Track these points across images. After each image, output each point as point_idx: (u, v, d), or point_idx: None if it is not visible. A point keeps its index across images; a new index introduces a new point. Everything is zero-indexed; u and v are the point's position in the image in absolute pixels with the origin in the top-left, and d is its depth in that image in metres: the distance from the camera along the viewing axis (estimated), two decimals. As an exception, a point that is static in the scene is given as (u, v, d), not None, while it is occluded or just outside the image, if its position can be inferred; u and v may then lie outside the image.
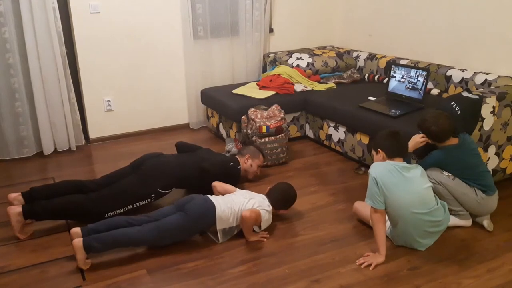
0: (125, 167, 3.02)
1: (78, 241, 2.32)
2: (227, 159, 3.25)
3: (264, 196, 2.76)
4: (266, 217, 2.65)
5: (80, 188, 2.83)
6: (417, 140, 2.73)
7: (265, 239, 2.64)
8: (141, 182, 2.83)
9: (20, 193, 2.73)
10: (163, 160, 3.00)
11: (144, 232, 2.42)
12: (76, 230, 2.39)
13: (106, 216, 2.69)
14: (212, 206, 2.54)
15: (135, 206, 2.80)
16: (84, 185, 2.86)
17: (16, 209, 2.59)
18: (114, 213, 2.73)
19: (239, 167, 3.22)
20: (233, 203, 2.61)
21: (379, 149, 2.55)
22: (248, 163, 3.26)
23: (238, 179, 3.22)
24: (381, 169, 2.43)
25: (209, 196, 2.64)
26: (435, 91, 3.77)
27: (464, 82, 3.55)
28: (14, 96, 3.74)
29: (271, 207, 2.69)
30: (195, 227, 2.58)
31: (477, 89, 3.38)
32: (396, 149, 2.52)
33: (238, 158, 3.27)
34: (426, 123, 2.64)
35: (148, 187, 2.84)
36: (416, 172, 2.47)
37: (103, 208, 2.71)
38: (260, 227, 2.66)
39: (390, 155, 2.51)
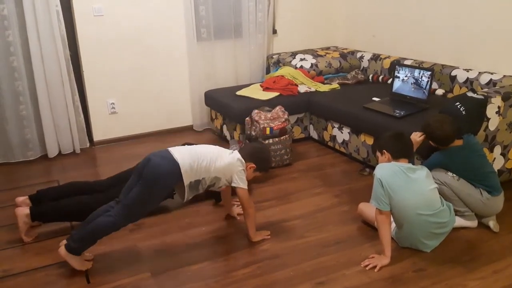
0: (130, 170, 2.88)
1: (61, 249, 2.33)
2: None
3: (228, 152, 2.63)
4: (243, 177, 2.54)
5: (86, 189, 2.83)
6: (416, 140, 2.71)
7: (268, 237, 2.66)
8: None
9: (27, 196, 2.74)
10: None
11: (116, 218, 2.31)
12: (63, 241, 2.38)
13: None
14: (173, 163, 2.36)
15: None
16: (90, 186, 2.86)
17: (24, 211, 2.60)
18: None
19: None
20: (200, 155, 2.45)
21: (384, 150, 2.54)
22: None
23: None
24: (386, 170, 2.42)
25: (170, 149, 2.46)
26: (439, 92, 3.75)
27: (469, 82, 3.52)
28: (18, 99, 3.75)
29: (243, 162, 2.58)
30: (159, 191, 2.43)
31: (482, 89, 3.35)
32: (401, 150, 2.51)
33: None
34: (430, 128, 2.62)
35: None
36: (421, 173, 2.46)
37: None
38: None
39: (396, 156, 2.50)
